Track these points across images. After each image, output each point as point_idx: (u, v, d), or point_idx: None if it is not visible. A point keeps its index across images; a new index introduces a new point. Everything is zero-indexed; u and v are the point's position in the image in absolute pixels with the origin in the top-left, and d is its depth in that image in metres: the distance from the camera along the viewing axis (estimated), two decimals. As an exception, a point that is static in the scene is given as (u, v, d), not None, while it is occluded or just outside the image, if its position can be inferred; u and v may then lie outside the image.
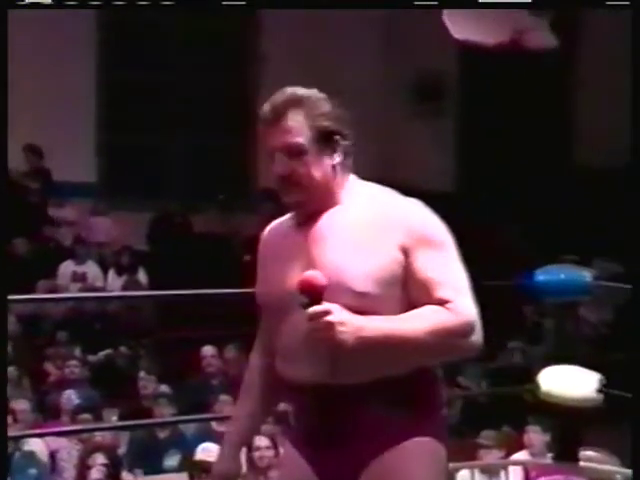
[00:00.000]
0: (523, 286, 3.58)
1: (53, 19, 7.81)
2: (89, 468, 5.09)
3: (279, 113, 2.00)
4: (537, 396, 3.48)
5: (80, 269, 8.24)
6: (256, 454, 5.14)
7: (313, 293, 1.86)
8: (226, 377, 6.98)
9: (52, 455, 5.77)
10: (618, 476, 3.67)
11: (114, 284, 8.30)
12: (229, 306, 5.95)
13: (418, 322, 1.89)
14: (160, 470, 5.90)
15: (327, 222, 2.00)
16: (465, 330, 1.92)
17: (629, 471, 3.83)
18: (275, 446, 5.35)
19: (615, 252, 7.19)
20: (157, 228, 9.04)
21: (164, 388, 6.59)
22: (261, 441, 5.18)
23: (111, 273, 8.45)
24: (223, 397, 6.11)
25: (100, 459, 5.09)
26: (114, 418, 5.94)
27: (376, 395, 1.93)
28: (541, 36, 6.65)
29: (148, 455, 5.98)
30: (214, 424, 5.97)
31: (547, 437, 5.21)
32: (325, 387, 1.94)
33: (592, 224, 7.91)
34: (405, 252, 1.94)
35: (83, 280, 8.17)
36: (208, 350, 7.05)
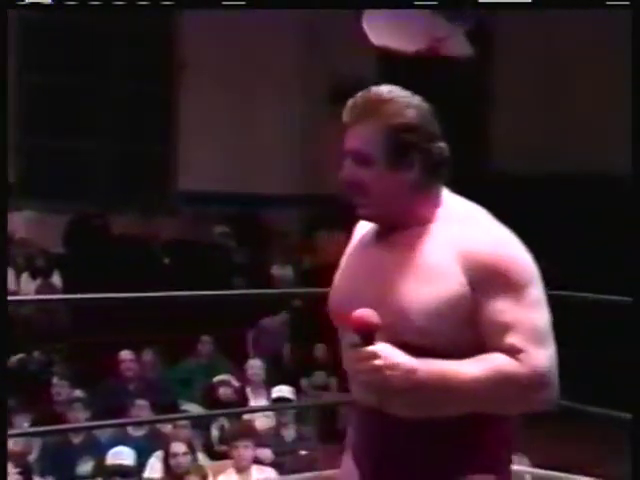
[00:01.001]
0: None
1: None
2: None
3: (356, 115, 1.85)
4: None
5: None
6: (172, 461, 5.09)
7: (364, 332, 1.74)
8: (143, 381, 6.91)
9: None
10: (527, 476, 3.74)
11: (27, 287, 8.14)
12: (146, 310, 5.88)
13: (478, 367, 1.73)
14: (72, 477, 5.80)
15: (404, 243, 1.84)
16: (533, 382, 1.74)
17: (539, 471, 3.92)
18: (192, 451, 5.32)
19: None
20: (74, 230, 8.90)
21: (78, 393, 6.48)
22: (178, 447, 5.14)
23: (24, 276, 8.28)
24: (139, 402, 6.05)
25: (9, 467, 4.98)
26: (26, 424, 5.82)
27: (435, 432, 1.81)
28: (458, 44, 6.76)
29: (60, 462, 5.86)
30: (130, 429, 5.90)
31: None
32: (376, 413, 1.83)
33: (510, 229, 8.05)
34: (475, 289, 1.76)
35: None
36: (126, 354, 6.97)
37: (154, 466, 5.32)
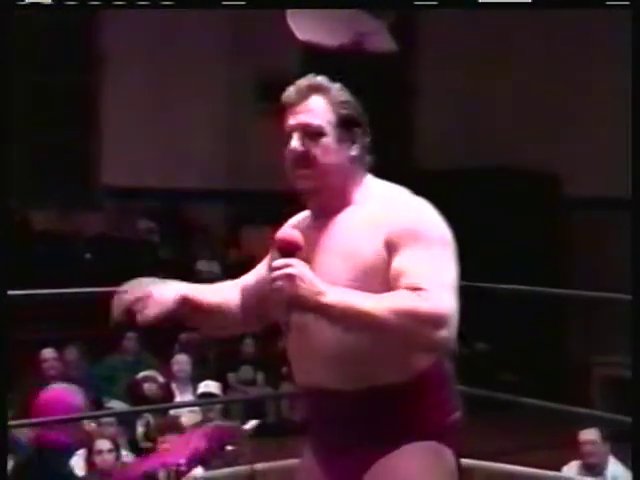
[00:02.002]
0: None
1: None
2: None
3: (302, 95, 2.00)
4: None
5: None
6: (97, 457, 5.04)
7: (287, 250, 1.85)
8: (67, 379, 6.81)
9: None
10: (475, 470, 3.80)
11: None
12: (69, 306, 5.81)
13: (383, 301, 1.82)
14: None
15: (331, 227, 1.97)
16: (434, 320, 1.81)
17: (486, 463, 3.98)
18: (117, 448, 5.27)
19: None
20: (-7, 226, 8.71)
21: None
22: (103, 444, 5.09)
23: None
24: (63, 400, 5.97)
25: None
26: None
27: (376, 402, 1.92)
28: (382, 39, 6.82)
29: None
30: (53, 428, 5.81)
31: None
32: (326, 392, 1.94)
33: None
34: (390, 248, 1.89)
35: None
36: (49, 352, 6.85)
37: (77, 465, 5.25)
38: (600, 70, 8.25)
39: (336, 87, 2.02)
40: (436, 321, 1.81)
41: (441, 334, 1.82)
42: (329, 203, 2.00)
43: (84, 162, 9.38)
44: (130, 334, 7.39)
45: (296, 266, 1.83)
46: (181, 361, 7.01)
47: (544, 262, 8.00)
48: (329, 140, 1.98)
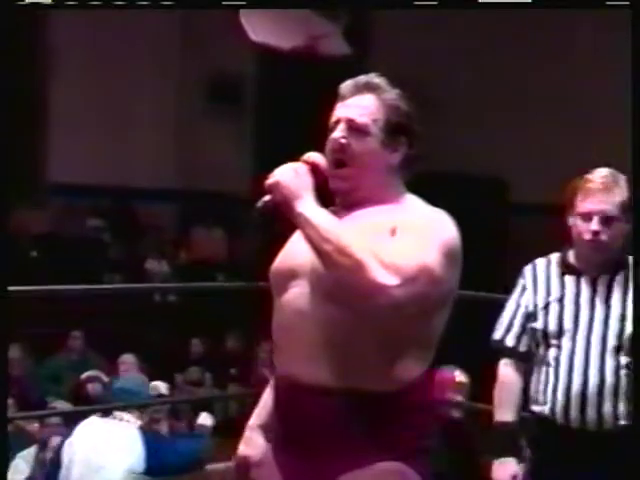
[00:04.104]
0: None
1: None
2: None
3: (357, 90, 1.97)
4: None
5: None
6: (51, 453, 4.98)
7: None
8: (9, 379, 6.71)
9: None
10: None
11: None
12: (13, 305, 5.71)
13: (353, 240, 1.80)
14: None
15: (353, 225, 1.89)
16: (371, 287, 1.76)
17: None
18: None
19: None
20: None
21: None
22: (57, 441, 5.02)
23: None
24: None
25: None
26: None
27: (354, 407, 1.85)
28: (335, 43, 6.84)
29: None
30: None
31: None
32: (305, 387, 1.87)
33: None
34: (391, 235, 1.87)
35: None
36: (-9, 351, 6.75)
37: (18, 467, 5.17)
38: (551, 71, 8.35)
39: (394, 92, 1.98)
40: (372, 289, 1.77)
41: (378, 300, 1.77)
42: (357, 204, 1.95)
43: (30, 159, 9.25)
44: (75, 333, 7.31)
45: (297, 170, 1.89)
46: (128, 361, 6.95)
47: (494, 267, 8.07)
48: (372, 140, 1.94)
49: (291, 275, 1.93)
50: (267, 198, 1.90)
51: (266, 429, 2.06)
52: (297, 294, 1.91)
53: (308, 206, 1.85)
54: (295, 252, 1.94)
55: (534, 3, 4.25)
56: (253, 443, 2.09)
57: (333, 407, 1.85)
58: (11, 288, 2.62)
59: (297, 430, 1.90)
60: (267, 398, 2.09)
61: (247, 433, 2.13)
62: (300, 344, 1.88)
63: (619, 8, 3.20)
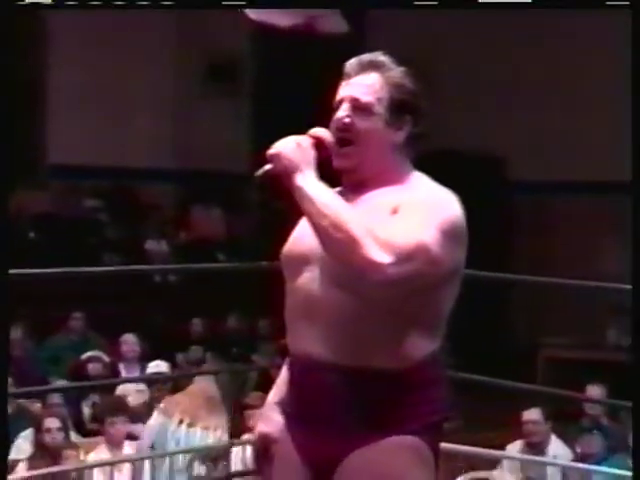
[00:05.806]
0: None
1: None
2: None
3: (362, 68, 1.96)
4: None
5: None
6: (47, 437, 5.00)
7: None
8: (11, 360, 6.72)
9: None
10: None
11: None
12: (14, 286, 5.72)
13: (353, 214, 1.81)
14: None
15: (358, 205, 1.89)
16: (371, 261, 1.77)
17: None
18: (66, 428, 5.23)
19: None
20: None
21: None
22: (52, 422, 5.05)
23: None
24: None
25: None
26: None
27: (367, 384, 1.88)
28: (333, 21, 6.81)
29: None
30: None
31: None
32: (320, 365, 1.89)
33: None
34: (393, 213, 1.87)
35: None
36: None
37: (20, 447, 5.20)
38: (545, 55, 8.33)
39: (399, 69, 1.97)
40: (365, 266, 1.77)
41: (372, 277, 1.78)
42: (362, 183, 1.94)
43: (30, 140, 9.24)
44: (76, 314, 7.32)
45: (302, 141, 1.88)
46: (129, 341, 6.97)
47: (491, 245, 8.08)
48: (376, 119, 1.93)
49: (302, 260, 1.94)
50: (268, 167, 1.90)
51: (284, 406, 2.07)
52: (309, 278, 1.92)
53: (308, 180, 1.85)
54: (305, 235, 1.93)
55: (534, 3, 4.22)
56: (271, 420, 2.10)
57: (346, 384, 1.88)
58: (12, 271, 2.61)
59: (312, 407, 1.93)
60: (284, 376, 2.10)
61: (265, 410, 2.15)
62: (313, 326, 1.90)
63: (619, 8, 3.18)
